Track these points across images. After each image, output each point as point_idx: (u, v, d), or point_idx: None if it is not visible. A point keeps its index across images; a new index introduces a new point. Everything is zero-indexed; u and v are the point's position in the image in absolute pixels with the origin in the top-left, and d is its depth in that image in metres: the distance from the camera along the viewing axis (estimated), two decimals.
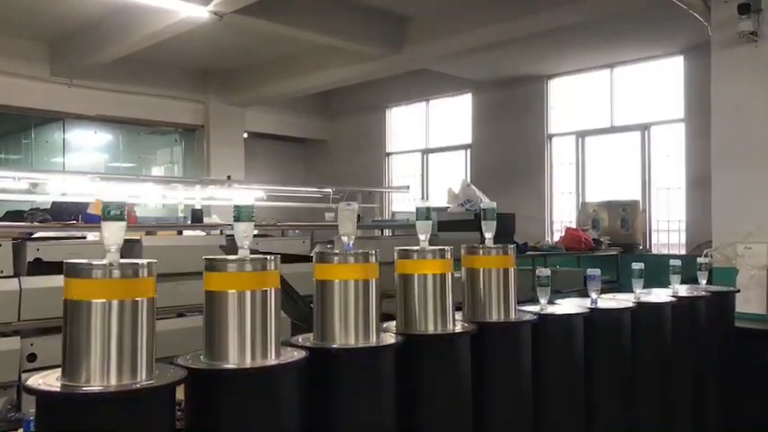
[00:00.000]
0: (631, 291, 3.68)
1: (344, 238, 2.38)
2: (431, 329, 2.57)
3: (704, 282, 4.20)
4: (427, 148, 12.51)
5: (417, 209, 2.67)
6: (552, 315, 3.03)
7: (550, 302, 3.15)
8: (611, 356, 3.27)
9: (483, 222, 2.90)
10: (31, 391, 1.76)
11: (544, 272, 3.18)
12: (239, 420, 1.95)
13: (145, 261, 1.86)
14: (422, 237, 2.63)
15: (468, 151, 11.80)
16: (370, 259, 2.35)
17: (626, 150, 9.98)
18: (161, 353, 1.91)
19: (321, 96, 12.91)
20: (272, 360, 2.04)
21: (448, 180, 10.02)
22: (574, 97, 10.66)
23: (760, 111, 5.47)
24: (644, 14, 7.59)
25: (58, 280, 1.87)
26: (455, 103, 12.11)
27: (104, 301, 1.78)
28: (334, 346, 2.29)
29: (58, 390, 1.75)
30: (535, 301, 3.15)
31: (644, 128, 9.84)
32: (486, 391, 2.70)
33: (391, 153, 13.09)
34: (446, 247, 2.63)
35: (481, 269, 2.83)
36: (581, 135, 10.45)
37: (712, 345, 3.99)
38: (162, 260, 1.93)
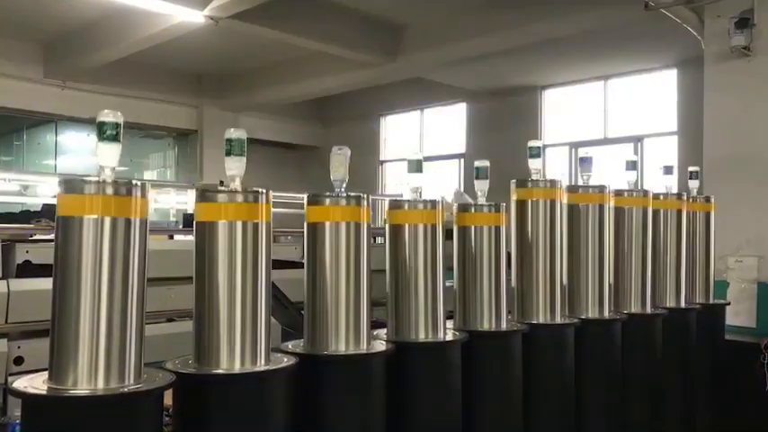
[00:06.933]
0: None
1: (336, 183, 2.35)
2: (422, 337, 2.56)
3: (695, 190, 4.23)
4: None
5: (409, 161, 2.64)
6: (543, 325, 3.03)
7: None
8: (601, 367, 3.27)
9: (476, 181, 2.90)
10: (17, 393, 1.74)
11: None
12: (227, 426, 1.94)
13: (138, 181, 1.84)
14: (413, 188, 2.62)
15: (462, 160, 11.82)
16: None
17: (619, 162, 10.00)
18: (150, 358, 1.89)
19: (316, 103, 12.92)
20: (261, 366, 2.03)
21: (441, 189, 10.01)
22: (568, 108, 10.71)
23: (752, 124, 5.50)
24: (638, 27, 7.63)
25: (47, 282, 1.85)
26: (449, 112, 12.14)
27: (97, 217, 1.75)
28: (324, 352, 2.28)
29: (45, 393, 1.73)
30: None
31: (637, 140, 9.88)
32: (475, 399, 2.69)
33: (385, 161, 13.10)
34: (436, 199, 2.63)
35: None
36: (574, 146, 10.49)
37: (702, 357, 3.99)
38: (152, 264, 1.91)
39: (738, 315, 5.07)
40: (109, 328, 1.76)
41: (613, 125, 10.16)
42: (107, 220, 1.76)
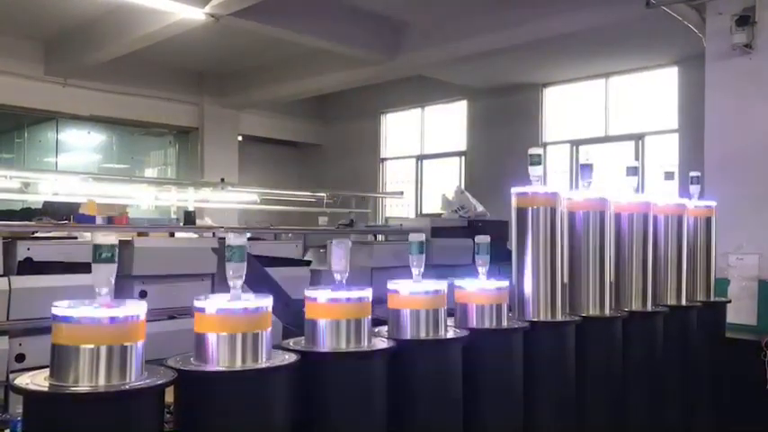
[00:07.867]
0: None
1: (337, 276, 2.34)
2: (422, 335, 2.57)
3: (696, 195, 4.19)
4: (422, 154, 12.52)
5: (411, 242, 2.62)
6: (543, 323, 3.03)
7: None
8: (602, 365, 3.27)
9: (477, 256, 2.87)
10: (18, 390, 1.74)
11: None
12: (228, 423, 1.94)
13: (135, 305, 1.82)
14: (415, 271, 2.59)
15: (463, 158, 11.82)
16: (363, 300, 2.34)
17: (620, 159, 10.02)
18: (151, 355, 1.90)
19: (316, 100, 12.91)
20: (262, 363, 2.03)
21: (442, 186, 10.03)
22: (569, 106, 10.70)
23: (753, 122, 5.50)
24: (639, 25, 7.62)
25: (48, 280, 1.85)
26: (450, 110, 12.13)
27: (93, 346, 1.75)
28: (325, 349, 2.29)
29: (46, 389, 1.74)
30: None
31: (638, 137, 9.88)
32: (476, 397, 2.69)
33: (386, 158, 13.10)
34: (440, 286, 2.61)
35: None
36: (575, 144, 10.49)
37: (703, 355, 4.00)
38: (153, 262, 1.91)
39: (739, 313, 5.08)
40: None
41: (614, 123, 10.16)
42: (102, 349, 1.75)
